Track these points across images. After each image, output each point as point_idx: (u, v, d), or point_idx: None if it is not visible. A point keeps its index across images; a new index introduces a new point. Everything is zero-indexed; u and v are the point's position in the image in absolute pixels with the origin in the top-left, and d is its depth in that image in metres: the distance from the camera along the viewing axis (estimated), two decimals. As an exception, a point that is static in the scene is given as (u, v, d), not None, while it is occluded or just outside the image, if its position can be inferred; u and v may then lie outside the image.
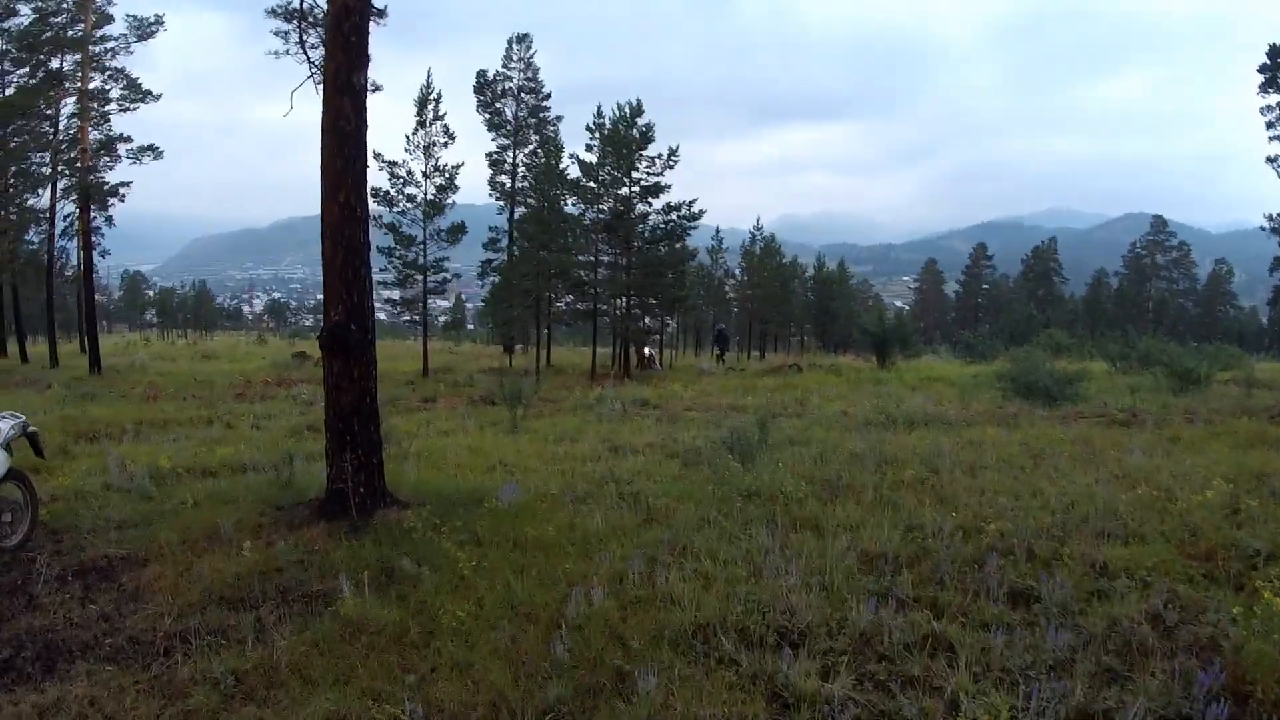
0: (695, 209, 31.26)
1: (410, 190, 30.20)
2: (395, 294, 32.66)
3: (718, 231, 58.02)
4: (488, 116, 39.86)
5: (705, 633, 4.72)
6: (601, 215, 31.55)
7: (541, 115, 40.41)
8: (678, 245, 32.33)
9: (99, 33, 29.96)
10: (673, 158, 30.93)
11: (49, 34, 29.04)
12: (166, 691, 4.14)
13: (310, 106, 7.81)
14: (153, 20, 30.41)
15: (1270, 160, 33.00)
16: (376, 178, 46.73)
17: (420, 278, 30.46)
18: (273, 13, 21.81)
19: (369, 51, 7.59)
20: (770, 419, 12.71)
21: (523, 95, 40.13)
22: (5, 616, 5.16)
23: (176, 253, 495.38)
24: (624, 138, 30.23)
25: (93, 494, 8.30)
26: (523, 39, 40.20)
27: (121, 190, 30.20)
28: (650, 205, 31.50)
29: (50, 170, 30.75)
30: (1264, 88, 33.51)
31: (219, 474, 9.47)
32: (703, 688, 4.10)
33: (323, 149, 7.39)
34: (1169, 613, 4.91)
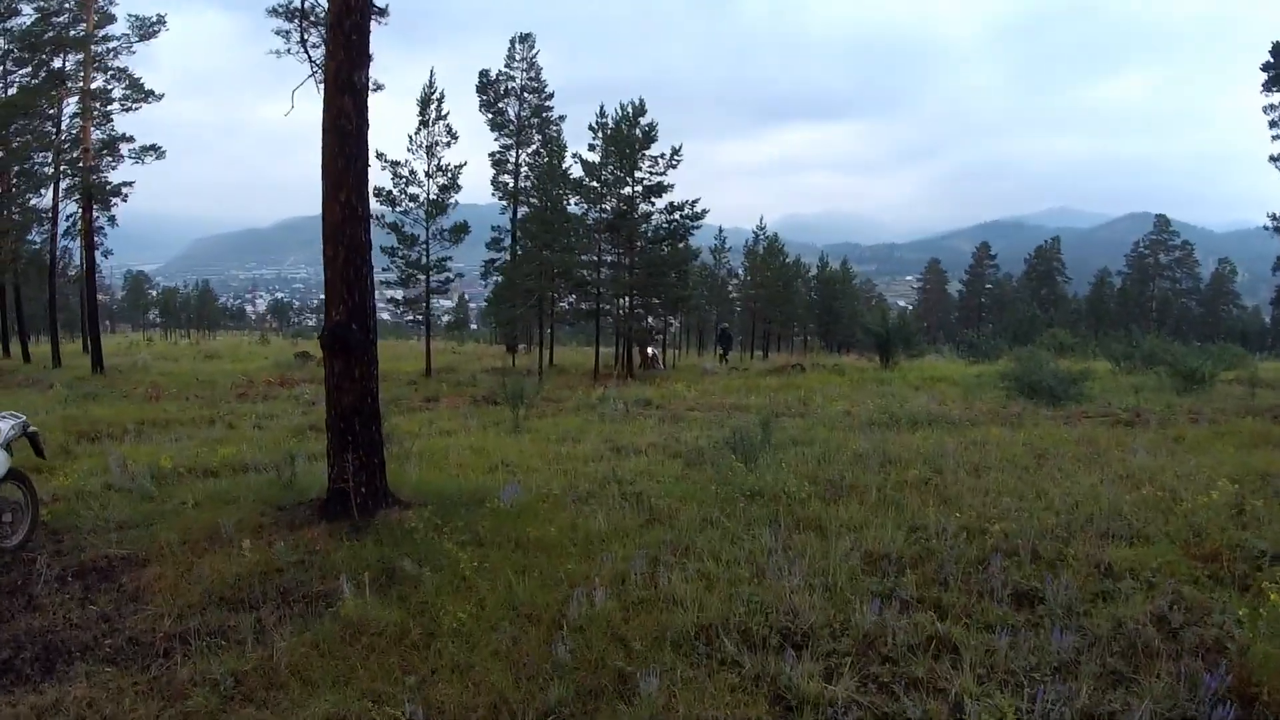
0: (698, 208, 31.25)
1: (413, 190, 30.21)
2: (398, 294, 32.65)
3: (720, 231, 58.00)
4: (490, 116, 39.87)
5: (708, 634, 4.69)
6: (604, 215, 31.55)
7: (544, 115, 40.42)
8: (680, 245, 32.31)
9: (101, 32, 29.98)
10: (675, 157, 30.97)
11: (51, 34, 29.06)
12: (165, 693, 4.11)
13: (312, 106, 7.79)
14: (155, 20, 30.43)
15: (1273, 159, 32.88)
16: (379, 177, 46.83)
17: (423, 277, 30.45)
18: (274, 11, 21.72)
19: (370, 50, 7.57)
20: (773, 419, 12.68)
21: (525, 95, 40.14)
22: (5, 617, 5.15)
23: (180, 253, 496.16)
24: (627, 137, 30.23)
25: (94, 494, 8.28)
26: (525, 39, 40.22)
27: (124, 190, 30.24)
28: (653, 205, 31.57)
29: (53, 170, 30.80)
30: (1267, 86, 33.40)
31: (220, 474, 9.44)
32: (705, 690, 4.08)
33: (324, 148, 7.37)
34: (1174, 614, 4.87)
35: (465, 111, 36.47)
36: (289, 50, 20.27)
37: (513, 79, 39.96)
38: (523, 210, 38.11)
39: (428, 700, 3.98)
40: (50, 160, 30.62)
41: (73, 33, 29.38)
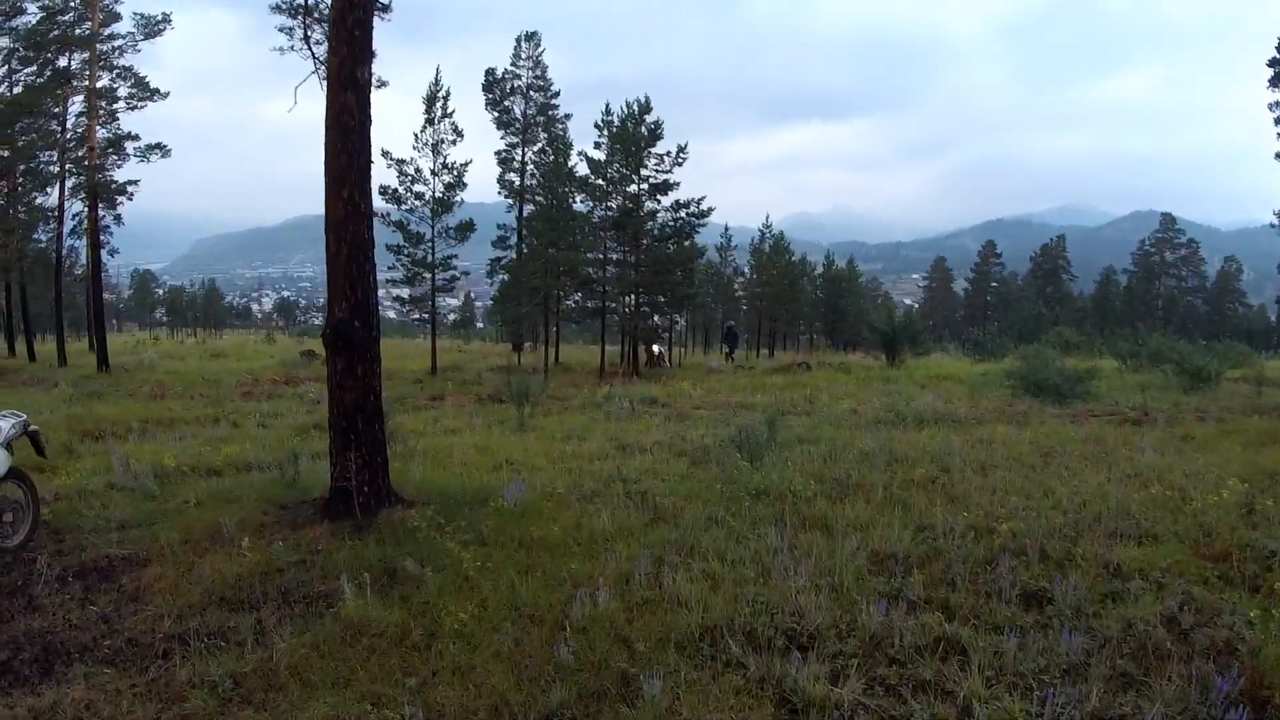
0: (704, 206, 31.25)
1: (419, 188, 30.09)
2: (404, 292, 32.59)
3: (726, 229, 57.92)
4: (496, 114, 39.82)
5: (712, 635, 4.64)
6: (610, 213, 31.53)
7: (550, 113, 40.38)
8: (686, 243, 32.27)
9: (106, 31, 30.03)
10: (681, 155, 30.94)
11: (56, 32, 29.05)
12: (163, 695, 4.08)
13: (317, 103, 7.76)
14: (160, 18, 30.49)
15: (1279, 156, 32.68)
16: (385, 175, 46.81)
17: (429, 276, 30.38)
18: (277, 8, 21.77)
19: (373, 46, 7.54)
20: (779, 417, 12.62)
21: (531, 93, 40.09)
22: (4, 618, 5.12)
23: (186, 251, 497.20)
24: (632, 135, 30.19)
25: (96, 493, 8.26)
26: (531, 37, 40.17)
27: (129, 188, 30.35)
28: (659, 203, 31.57)
29: (58, 169, 30.80)
30: (1273, 82, 33.18)
31: (224, 473, 9.42)
32: (709, 692, 4.03)
33: (326, 144, 7.34)
34: (1184, 615, 4.80)
35: (471, 110, 36.43)
36: (292, 47, 20.33)
37: (518, 77, 39.93)
38: (528, 208, 38.05)
39: (428, 702, 3.94)
40: (56, 159, 30.63)
41: (78, 31, 29.38)
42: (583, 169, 32.46)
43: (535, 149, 39.79)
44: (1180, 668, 4.17)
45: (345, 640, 4.65)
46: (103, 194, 29.73)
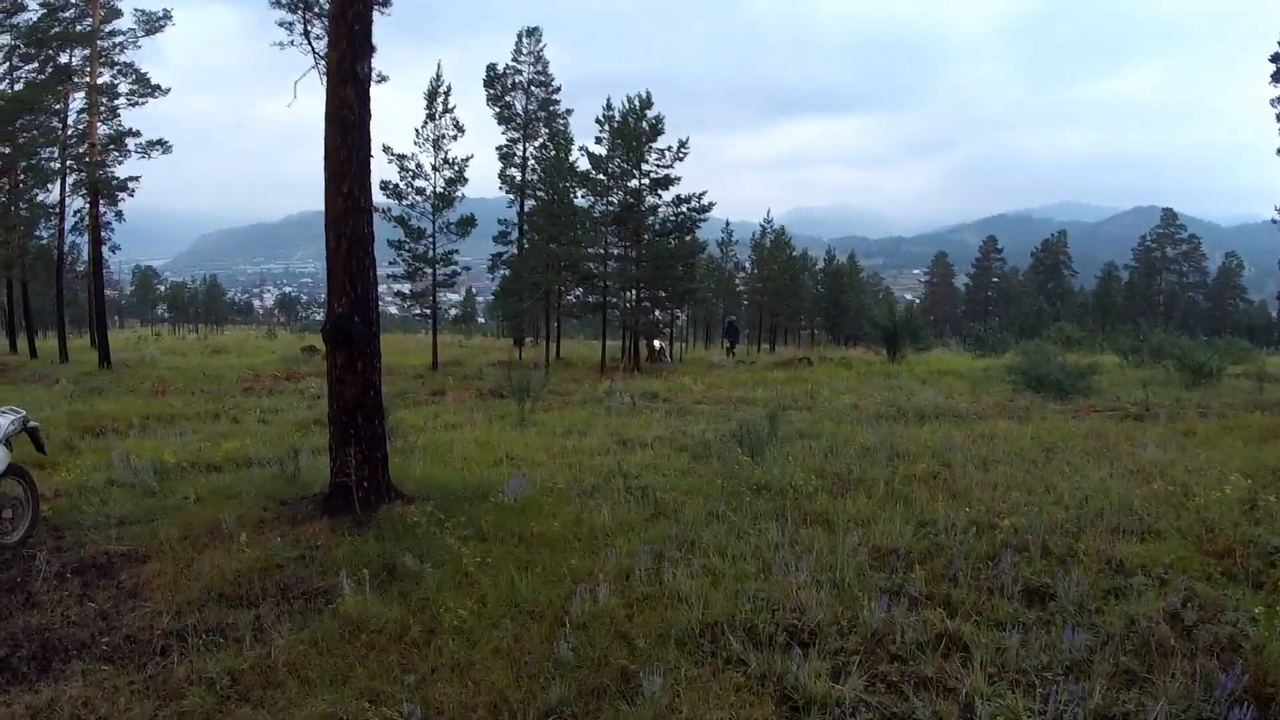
0: (705, 201, 31.22)
1: (420, 183, 30.04)
2: (405, 287, 32.54)
3: (728, 224, 57.82)
4: (497, 110, 39.72)
5: (713, 632, 4.62)
6: (611, 208, 31.52)
7: (551, 109, 40.28)
8: (687, 238, 32.28)
9: (107, 27, 29.94)
10: (682, 149, 30.89)
11: (57, 29, 28.98)
12: (161, 692, 4.06)
13: (318, 99, 7.75)
14: (161, 15, 30.39)
15: (1280, 152, 32.56)
16: (386, 170, 46.69)
17: (430, 271, 30.34)
18: (277, 3, 21.72)
19: (373, 41, 7.51)
20: (780, 412, 12.59)
21: (532, 89, 39.99)
22: (3, 614, 5.11)
23: (188, 248, 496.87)
24: (633, 130, 30.14)
25: (96, 489, 8.25)
26: (532, 33, 40.05)
27: (131, 185, 30.23)
28: (660, 198, 31.52)
29: (59, 165, 30.74)
30: (1275, 78, 33.07)
31: (224, 469, 9.41)
32: (710, 689, 4.01)
33: (326, 139, 7.32)
34: (1188, 612, 4.78)
35: (472, 105, 36.35)
36: (292, 42, 20.28)
37: (520, 73, 39.81)
38: (530, 203, 37.97)
39: (426, 699, 3.92)
40: (57, 155, 30.57)
41: (79, 28, 29.32)
42: (584, 164, 32.45)
43: (536, 144, 39.70)
44: (1184, 665, 4.14)
45: (344, 637, 4.63)
46: (104, 190, 29.68)
